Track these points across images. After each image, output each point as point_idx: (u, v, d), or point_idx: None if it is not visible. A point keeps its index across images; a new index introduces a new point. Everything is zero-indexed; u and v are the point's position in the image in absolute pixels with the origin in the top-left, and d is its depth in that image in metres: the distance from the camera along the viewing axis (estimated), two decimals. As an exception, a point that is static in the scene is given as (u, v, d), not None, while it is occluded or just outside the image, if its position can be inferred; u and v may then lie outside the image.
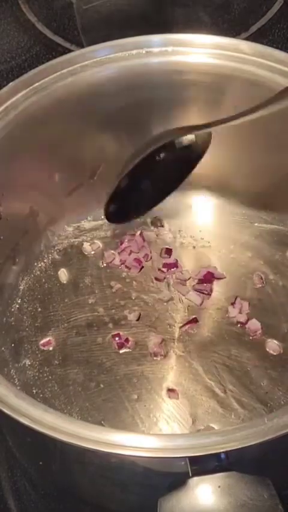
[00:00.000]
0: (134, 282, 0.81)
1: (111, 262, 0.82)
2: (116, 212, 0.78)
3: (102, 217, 0.84)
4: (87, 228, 0.85)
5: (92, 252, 0.84)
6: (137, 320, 0.78)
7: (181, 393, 0.73)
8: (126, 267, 0.82)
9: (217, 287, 0.80)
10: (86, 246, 0.84)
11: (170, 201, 0.80)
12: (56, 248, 0.84)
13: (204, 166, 0.84)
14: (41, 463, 0.70)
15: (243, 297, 0.79)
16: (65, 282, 0.81)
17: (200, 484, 0.52)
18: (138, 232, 0.84)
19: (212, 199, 0.86)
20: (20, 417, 0.55)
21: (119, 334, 0.77)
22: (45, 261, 0.83)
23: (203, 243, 0.84)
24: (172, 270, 0.81)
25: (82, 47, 0.86)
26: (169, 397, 0.73)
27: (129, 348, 0.76)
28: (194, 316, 0.78)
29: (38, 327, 0.78)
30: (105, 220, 0.81)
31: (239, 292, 0.79)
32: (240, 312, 0.77)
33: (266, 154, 0.81)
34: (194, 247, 0.83)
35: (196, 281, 0.80)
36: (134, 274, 0.81)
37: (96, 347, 0.77)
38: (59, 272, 0.82)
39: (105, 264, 0.83)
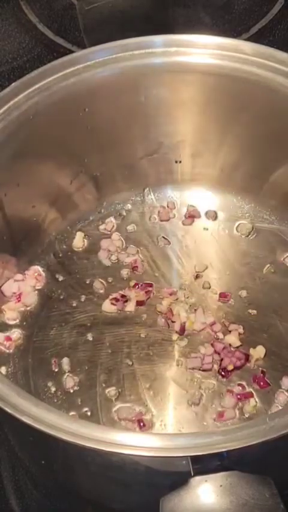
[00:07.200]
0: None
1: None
2: None
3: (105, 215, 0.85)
4: (89, 228, 0.85)
5: (94, 252, 0.84)
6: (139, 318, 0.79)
7: (186, 391, 0.73)
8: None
9: (219, 284, 0.81)
10: (88, 246, 0.84)
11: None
12: (58, 248, 0.84)
13: (205, 167, 0.85)
14: (43, 462, 0.70)
15: (244, 295, 0.79)
16: (67, 282, 0.82)
17: (201, 483, 0.53)
18: None
19: (213, 198, 0.87)
20: (22, 416, 0.55)
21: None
22: (47, 260, 0.83)
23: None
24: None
25: (83, 48, 0.86)
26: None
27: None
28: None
29: (40, 326, 0.78)
30: (106, 221, 0.82)
31: (239, 290, 0.79)
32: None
33: (267, 154, 0.81)
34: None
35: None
36: (136, 273, 0.82)
37: (98, 346, 0.77)
38: (61, 272, 0.82)
39: (107, 264, 0.83)
